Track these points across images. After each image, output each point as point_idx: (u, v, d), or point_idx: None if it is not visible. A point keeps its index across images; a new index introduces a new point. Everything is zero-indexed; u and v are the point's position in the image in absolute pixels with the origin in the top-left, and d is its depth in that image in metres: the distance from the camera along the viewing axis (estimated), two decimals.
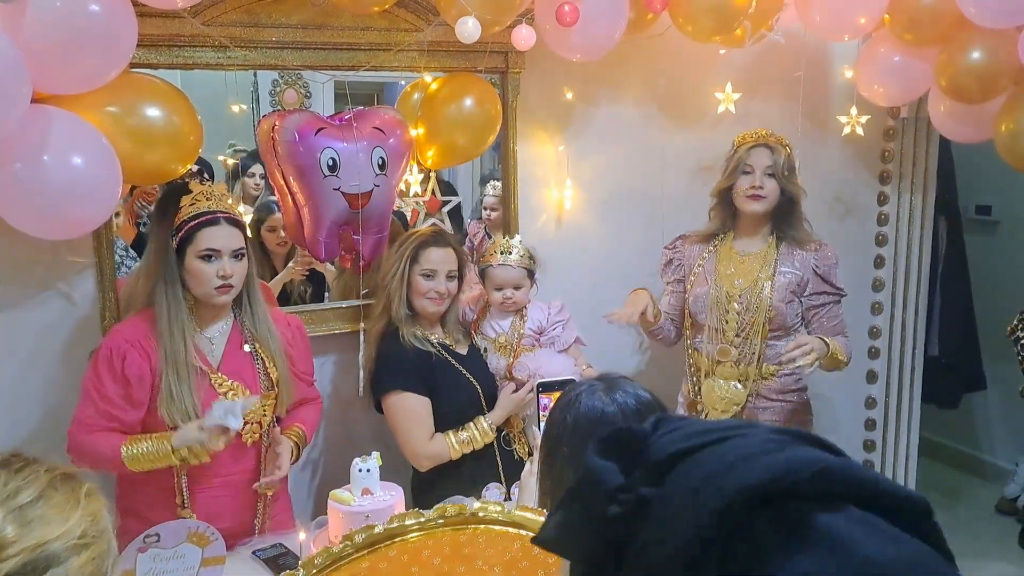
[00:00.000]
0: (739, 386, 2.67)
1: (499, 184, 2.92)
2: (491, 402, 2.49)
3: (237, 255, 2.08)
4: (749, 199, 2.62)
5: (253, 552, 2.04)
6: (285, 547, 2.06)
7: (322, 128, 2.39)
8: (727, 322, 2.65)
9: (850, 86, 3.03)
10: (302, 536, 1.92)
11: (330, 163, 2.37)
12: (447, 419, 2.42)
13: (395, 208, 2.72)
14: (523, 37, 2.35)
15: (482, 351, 2.59)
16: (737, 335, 2.65)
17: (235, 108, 2.57)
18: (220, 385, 2.09)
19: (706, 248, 2.75)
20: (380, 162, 2.44)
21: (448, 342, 2.52)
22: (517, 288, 2.55)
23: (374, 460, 1.91)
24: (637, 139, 3.01)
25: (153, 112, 2.07)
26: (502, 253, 2.56)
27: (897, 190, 3.39)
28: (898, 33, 2.76)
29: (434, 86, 2.61)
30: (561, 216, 2.96)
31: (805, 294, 2.65)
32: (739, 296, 2.64)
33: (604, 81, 2.91)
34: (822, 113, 3.19)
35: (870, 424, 3.53)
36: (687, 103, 3.04)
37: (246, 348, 2.17)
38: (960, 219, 4.06)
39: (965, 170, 4.00)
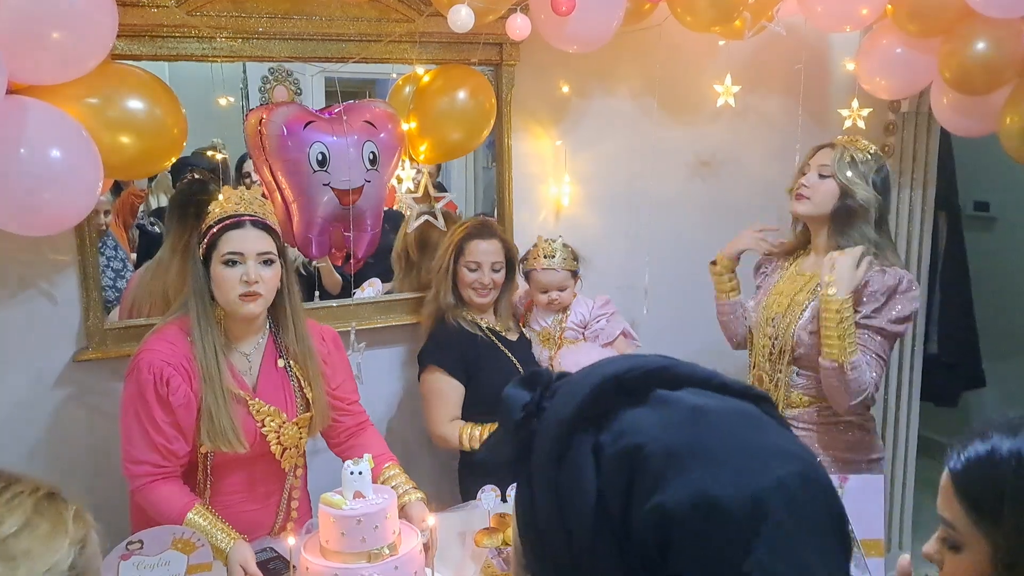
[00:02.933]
0: None
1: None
2: None
3: (265, 260, 1.94)
4: (795, 199, 2.34)
5: None
6: (275, 551, 2.00)
7: (311, 122, 2.32)
8: (763, 348, 2.38)
9: (851, 79, 2.97)
10: (291, 541, 1.86)
11: (320, 158, 2.30)
12: (485, 400, 2.42)
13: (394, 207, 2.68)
14: (518, 27, 2.28)
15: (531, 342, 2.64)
16: (768, 360, 2.37)
17: (222, 101, 2.48)
18: (258, 412, 2.00)
19: (782, 264, 2.47)
20: (371, 157, 2.37)
21: (499, 328, 2.55)
22: (561, 290, 2.57)
23: (366, 463, 1.85)
24: (635, 133, 2.95)
25: (135, 104, 2.00)
26: (545, 256, 2.57)
27: (897, 185, 3.33)
28: (901, 24, 2.70)
29: (426, 79, 2.54)
30: (559, 212, 2.90)
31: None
32: (772, 320, 2.35)
33: (601, 73, 2.85)
34: (822, 106, 3.14)
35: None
36: (686, 96, 2.99)
37: (280, 364, 2.07)
38: (960, 215, 4.02)
39: (963, 166, 3.95)
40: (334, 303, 2.64)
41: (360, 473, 1.82)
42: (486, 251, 2.48)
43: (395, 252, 2.83)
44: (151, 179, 2.87)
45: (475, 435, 2.36)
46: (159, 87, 2.07)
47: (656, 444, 0.58)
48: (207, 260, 1.94)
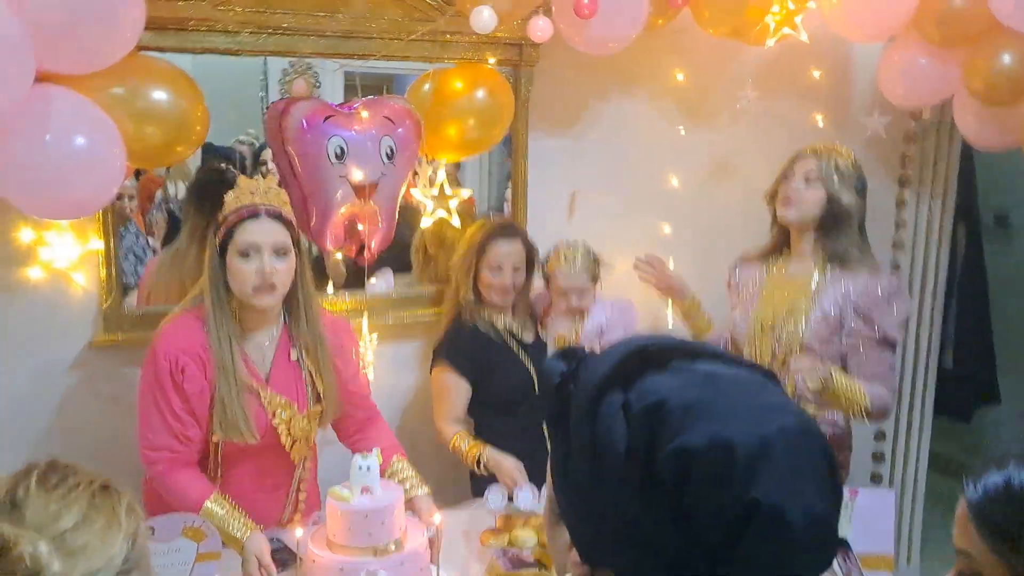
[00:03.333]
0: None
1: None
2: None
3: (280, 252, 1.95)
4: (781, 205, 2.39)
5: None
6: (281, 542, 2.02)
7: (330, 116, 2.34)
8: (761, 355, 2.40)
9: (872, 87, 2.96)
10: (299, 533, 1.88)
11: (338, 151, 2.32)
12: (494, 399, 2.46)
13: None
14: (539, 29, 2.30)
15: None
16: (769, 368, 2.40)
17: (244, 95, 2.51)
18: (270, 403, 2.02)
19: (760, 269, 2.51)
20: (388, 152, 2.39)
21: (515, 329, 2.55)
22: (581, 295, 2.55)
23: (374, 457, 1.87)
24: (652, 135, 2.96)
25: (159, 95, 2.03)
26: (566, 260, 2.54)
27: (916, 195, 3.32)
28: (925, 34, 2.70)
29: (445, 77, 2.55)
30: (573, 213, 2.91)
31: (843, 331, 2.31)
32: (772, 328, 2.38)
33: (620, 75, 2.85)
34: (842, 114, 3.12)
35: (879, 435, 3.47)
36: (704, 100, 2.98)
37: (293, 356, 2.09)
38: (979, 226, 3.98)
39: (983, 178, 3.92)
40: (347, 295, 2.66)
41: (368, 468, 1.84)
42: (508, 253, 2.49)
43: (414, 246, 2.85)
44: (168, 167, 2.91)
45: (460, 449, 2.36)
46: (183, 79, 2.10)
47: (676, 400, 0.69)
48: (223, 250, 1.95)
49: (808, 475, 0.68)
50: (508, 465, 2.29)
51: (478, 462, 2.32)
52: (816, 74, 2.96)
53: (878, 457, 3.48)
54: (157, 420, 1.92)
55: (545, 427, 0.79)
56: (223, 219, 1.96)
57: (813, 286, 2.34)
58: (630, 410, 0.70)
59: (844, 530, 1.99)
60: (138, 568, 0.78)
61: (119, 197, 2.62)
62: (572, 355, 0.78)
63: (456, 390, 2.45)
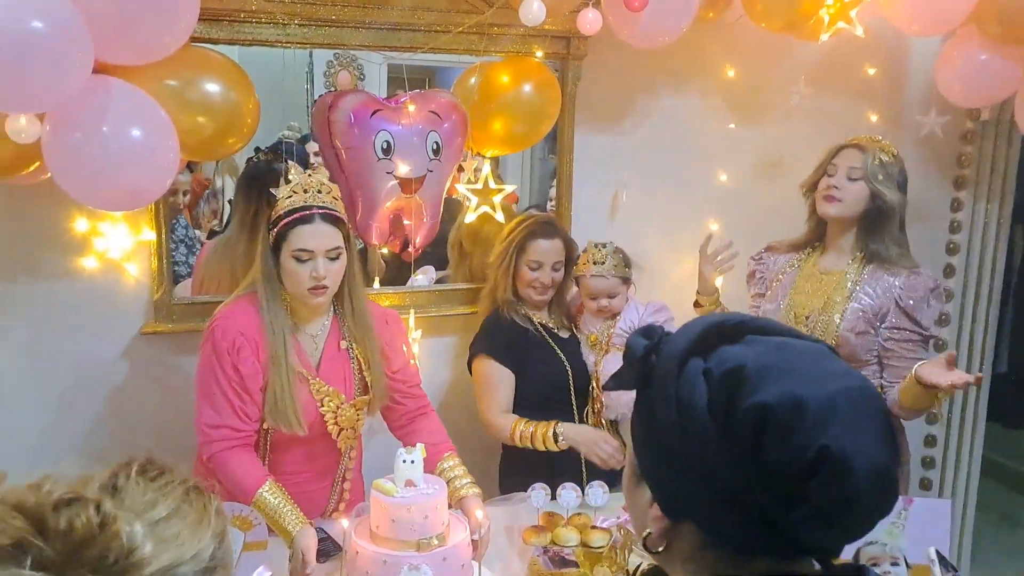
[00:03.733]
0: None
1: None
2: (580, 391, 2.49)
3: (333, 255, 1.96)
4: (824, 200, 2.34)
5: None
6: (325, 532, 2.03)
7: (378, 110, 2.35)
8: None
9: (929, 85, 2.88)
10: (345, 523, 1.89)
11: (384, 146, 2.33)
12: (531, 394, 2.43)
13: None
14: (589, 21, 2.27)
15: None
16: None
17: (290, 87, 2.52)
18: (318, 391, 2.04)
19: (791, 260, 2.48)
20: (435, 147, 2.39)
21: (552, 325, 2.54)
22: (612, 296, 2.50)
23: (418, 452, 1.87)
24: (700, 131, 2.91)
25: (212, 87, 2.05)
26: (595, 263, 2.49)
27: (972, 196, 3.22)
28: (986, 30, 2.61)
29: (492, 70, 2.54)
30: (617, 208, 2.88)
31: (883, 326, 2.28)
32: (807, 319, 2.35)
33: (669, 71, 2.82)
34: (897, 112, 3.04)
35: (930, 440, 3.38)
36: (755, 96, 2.93)
37: (343, 345, 2.10)
38: None
39: None
40: (390, 290, 2.67)
41: (412, 462, 1.84)
42: (548, 251, 2.46)
43: (450, 241, 2.85)
44: (219, 160, 2.95)
45: (527, 433, 2.34)
46: (235, 71, 2.12)
47: (753, 364, 0.78)
48: (276, 248, 1.96)
49: (869, 429, 0.76)
50: (594, 435, 2.32)
51: (555, 438, 2.31)
52: (871, 71, 2.89)
53: (928, 462, 3.40)
54: (218, 398, 1.94)
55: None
56: (276, 218, 1.96)
57: (850, 280, 2.32)
58: (711, 374, 0.79)
59: (898, 539, 1.94)
60: (223, 567, 0.80)
61: (172, 192, 2.68)
62: (653, 332, 0.86)
63: (502, 380, 2.42)
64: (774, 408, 0.74)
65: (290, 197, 1.96)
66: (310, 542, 1.85)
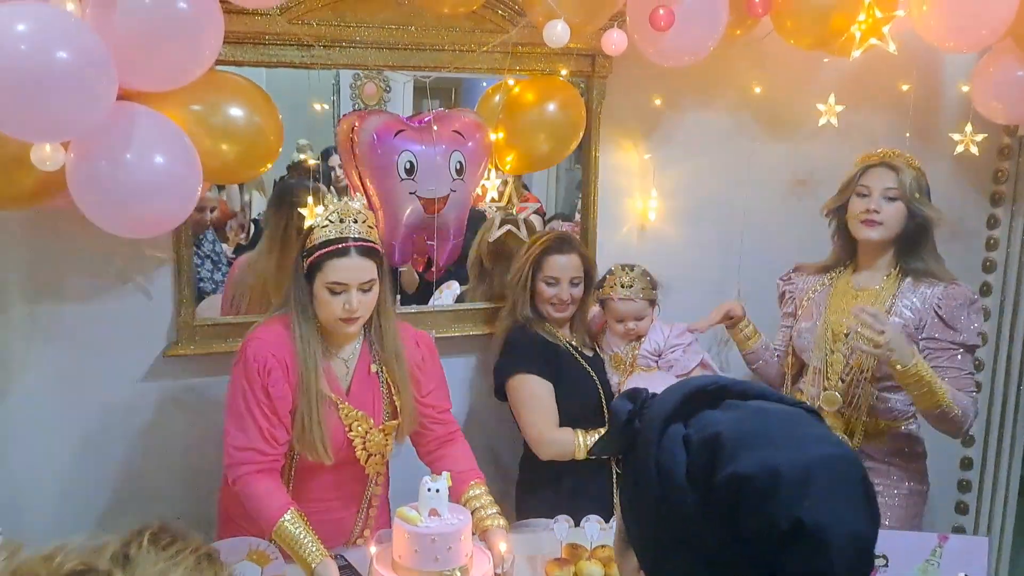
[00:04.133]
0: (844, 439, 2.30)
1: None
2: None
3: (366, 288, 1.94)
4: (863, 224, 2.27)
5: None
6: (346, 560, 2.02)
7: (401, 130, 2.35)
8: (831, 364, 2.31)
9: (964, 101, 2.81)
10: (373, 550, 1.88)
11: (407, 166, 2.32)
12: (565, 414, 2.37)
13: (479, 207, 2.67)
14: (614, 42, 2.24)
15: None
16: (842, 380, 2.29)
17: (316, 107, 2.52)
18: (347, 416, 2.02)
19: (821, 280, 2.44)
20: (458, 167, 2.38)
21: (575, 343, 2.49)
22: (639, 319, 2.47)
23: (444, 481, 1.85)
24: (728, 149, 2.87)
25: (236, 111, 2.04)
26: (623, 286, 2.46)
27: (1010, 213, 3.15)
28: (1023, 45, 2.55)
29: (517, 89, 2.53)
30: (644, 227, 2.84)
31: (921, 337, 2.23)
32: (846, 336, 2.27)
33: (695, 87, 2.77)
34: (932, 128, 2.97)
35: (966, 463, 3.30)
36: (784, 113, 2.88)
37: (373, 368, 2.08)
38: None
39: None
40: (412, 308, 2.66)
41: (438, 491, 1.81)
42: (565, 266, 2.43)
43: (470, 259, 2.82)
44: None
45: (585, 442, 2.28)
46: (258, 95, 2.11)
47: (730, 431, 0.78)
48: (309, 274, 1.94)
49: (848, 498, 0.77)
50: None
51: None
52: (904, 87, 2.83)
53: (964, 485, 3.32)
54: (247, 420, 1.92)
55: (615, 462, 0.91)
56: (311, 247, 1.93)
57: (888, 294, 2.27)
58: (690, 441, 0.80)
59: None
60: None
61: (200, 208, 2.69)
62: (637, 396, 0.88)
63: (546, 393, 2.35)
64: (750, 479, 0.75)
65: (325, 227, 1.93)
66: (332, 574, 1.83)
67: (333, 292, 1.92)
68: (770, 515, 0.74)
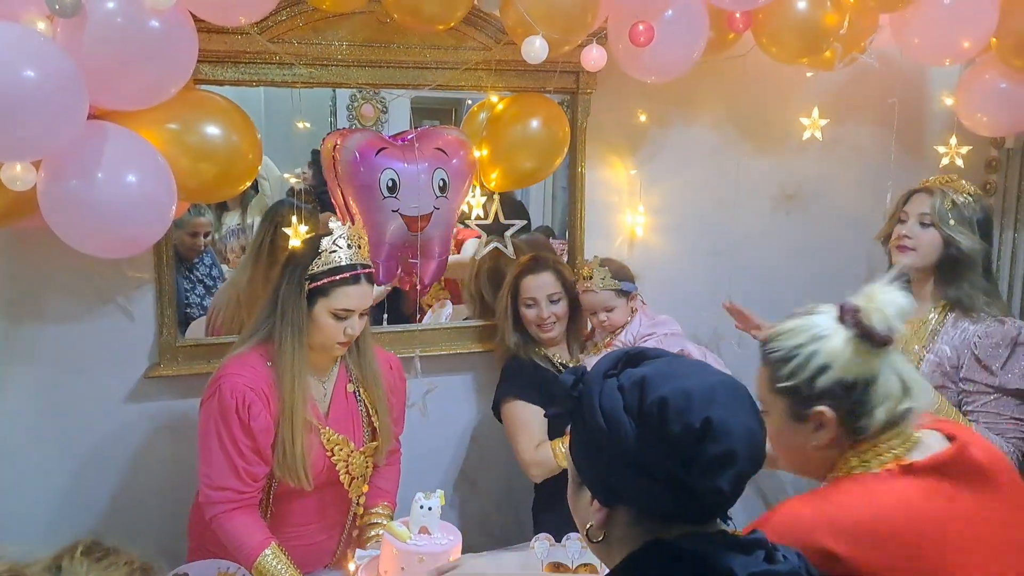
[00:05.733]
0: None
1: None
2: None
3: (365, 312, 1.97)
4: (896, 250, 2.22)
5: None
6: None
7: (383, 148, 2.33)
8: None
9: (949, 114, 2.81)
10: (351, 567, 1.85)
11: (390, 184, 2.31)
12: (562, 432, 2.36)
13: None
14: (593, 58, 2.23)
15: None
16: None
17: (300, 125, 2.51)
18: (328, 441, 2.01)
19: None
20: (441, 184, 2.36)
21: (572, 363, 2.50)
22: (608, 310, 2.47)
23: (436, 499, 1.82)
24: (714, 164, 2.86)
25: (212, 130, 2.03)
26: (584, 278, 2.49)
27: (999, 226, 3.13)
28: (1005, 58, 2.55)
29: (500, 106, 2.52)
30: (632, 242, 2.83)
31: (960, 378, 2.11)
32: None
33: (680, 103, 2.77)
34: (918, 142, 2.97)
35: None
36: (769, 127, 2.88)
37: (349, 388, 2.08)
38: None
39: None
40: (399, 328, 2.64)
41: (430, 509, 1.79)
42: (540, 285, 2.44)
43: (466, 291, 2.81)
44: (247, 199, 2.94)
45: (562, 448, 2.29)
46: (236, 113, 2.10)
47: (652, 373, 1.05)
48: (309, 298, 1.92)
49: (741, 406, 1.03)
50: None
51: None
52: (889, 100, 2.82)
53: None
54: (221, 459, 1.88)
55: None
56: (318, 271, 1.91)
57: (929, 330, 2.18)
58: (623, 386, 1.05)
59: None
60: None
61: (193, 234, 2.69)
62: (576, 370, 1.13)
63: (531, 417, 2.36)
64: (669, 398, 1.00)
65: (333, 252, 1.92)
66: None
67: (337, 317, 1.92)
68: (687, 420, 0.99)
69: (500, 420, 2.49)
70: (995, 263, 3.13)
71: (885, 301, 1.27)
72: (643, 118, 2.76)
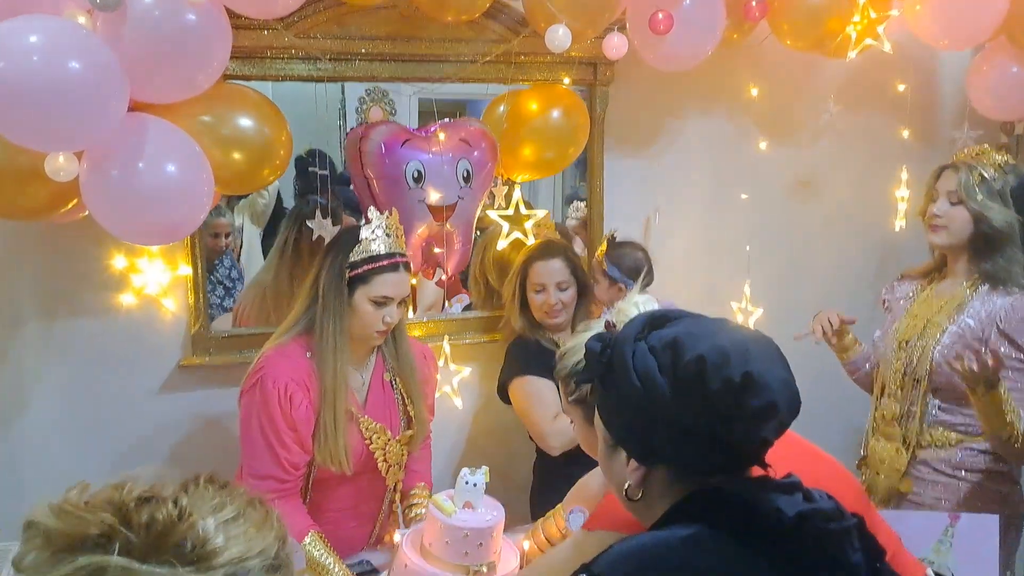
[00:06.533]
0: (901, 450, 2.22)
1: (582, 205, 2.87)
2: None
3: (402, 301, 2.00)
4: (930, 229, 2.21)
5: None
6: (371, 564, 2.02)
7: (408, 140, 2.37)
8: (895, 372, 2.23)
9: (961, 99, 2.85)
10: (397, 537, 1.88)
11: (415, 175, 2.35)
12: None
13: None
14: (614, 46, 2.28)
15: None
16: (901, 388, 2.22)
17: (323, 123, 2.55)
18: (367, 429, 2.04)
19: (916, 286, 2.33)
20: (465, 174, 2.41)
21: None
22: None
23: (482, 475, 1.84)
24: (730, 153, 2.90)
25: (245, 122, 2.07)
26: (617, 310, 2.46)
27: None
28: (1016, 42, 2.59)
29: (520, 98, 2.56)
30: (649, 232, 2.86)
31: (985, 352, 2.00)
32: (906, 344, 2.20)
33: (696, 93, 2.81)
34: (930, 127, 3.01)
35: None
36: (784, 116, 2.92)
37: (386, 377, 2.11)
38: None
39: None
40: (425, 318, 2.67)
41: (475, 484, 1.81)
42: (550, 272, 2.44)
43: (472, 277, 2.83)
44: (234, 200, 2.97)
45: None
46: (267, 106, 2.14)
47: (683, 333, 1.06)
48: (351, 287, 1.95)
49: (774, 359, 1.06)
50: None
51: None
52: (901, 87, 2.87)
53: None
54: (264, 449, 1.91)
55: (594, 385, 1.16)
56: (358, 260, 1.94)
57: (957, 302, 2.17)
58: (654, 348, 1.06)
59: (945, 557, 1.88)
60: (286, 567, 0.87)
61: (215, 235, 2.73)
62: (603, 336, 1.15)
63: (545, 388, 2.35)
64: (706, 356, 1.01)
65: (374, 240, 1.96)
66: None
67: (376, 304, 1.95)
68: (727, 376, 1.00)
69: (507, 402, 2.48)
70: None
71: (630, 314, 1.34)
72: (660, 108, 2.80)
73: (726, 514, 1.01)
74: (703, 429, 1.02)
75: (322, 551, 1.89)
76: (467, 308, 2.84)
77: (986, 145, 2.25)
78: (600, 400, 1.14)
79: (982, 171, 2.13)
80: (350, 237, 1.98)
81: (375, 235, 1.96)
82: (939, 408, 2.18)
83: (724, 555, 0.99)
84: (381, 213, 2.01)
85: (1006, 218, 2.11)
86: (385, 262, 1.95)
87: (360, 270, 1.94)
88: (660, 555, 1.00)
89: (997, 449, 2.10)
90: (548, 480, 2.41)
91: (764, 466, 1.07)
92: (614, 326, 1.35)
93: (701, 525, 1.01)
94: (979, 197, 2.11)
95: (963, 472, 2.17)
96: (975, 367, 1.90)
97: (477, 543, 1.75)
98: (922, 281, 2.33)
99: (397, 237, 2.01)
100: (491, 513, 1.80)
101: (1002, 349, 2.06)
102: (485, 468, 1.85)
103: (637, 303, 1.41)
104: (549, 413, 2.35)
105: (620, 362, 1.08)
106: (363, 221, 2.02)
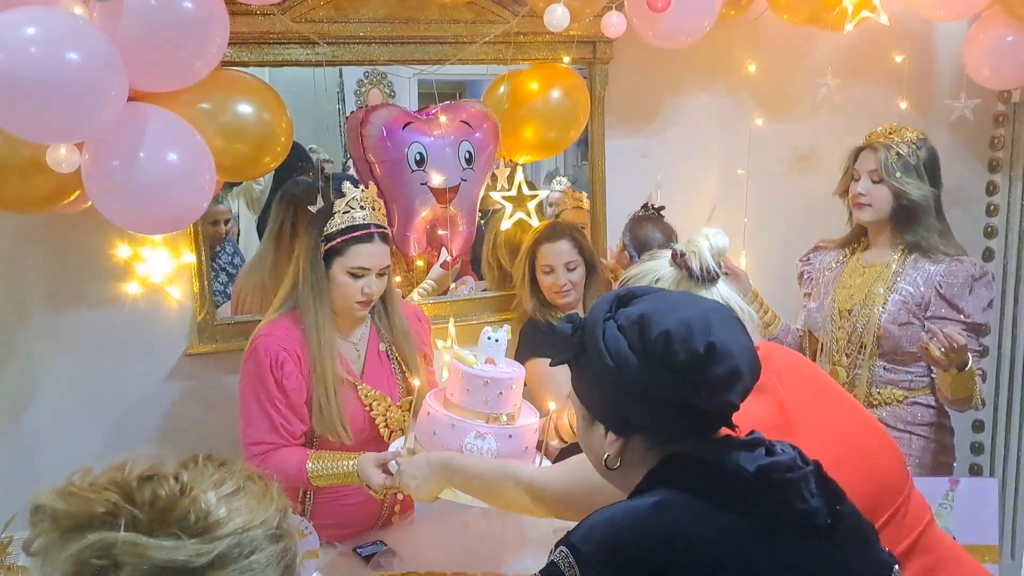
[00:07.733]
0: None
1: (564, 180, 2.92)
2: None
3: (382, 272, 2.02)
4: (856, 207, 2.38)
5: (354, 548, 2.04)
6: (385, 544, 2.04)
7: (409, 123, 2.37)
8: (837, 341, 2.38)
9: (958, 68, 2.85)
10: (394, 447, 1.95)
11: (417, 158, 2.35)
12: None
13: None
14: (613, 24, 2.28)
15: None
16: (847, 356, 2.37)
17: (322, 107, 2.54)
18: (366, 396, 2.07)
19: (837, 257, 2.50)
20: (467, 156, 2.41)
21: None
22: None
23: (504, 332, 1.90)
24: (730, 128, 2.90)
25: (245, 108, 2.07)
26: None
27: (1008, 179, 3.18)
28: (1012, 10, 2.59)
29: (521, 78, 2.55)
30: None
31: (926, 316, 2.26)
32: (849, 313, 2.36)
33: (695, 70, 2.81)
34: (927, 98, 3.02)
35: (978, 425, 3.33)
36: (783, 90, 2.92)
37: (381, 347, 2.14)
38: None
39: None
40: (430, 300, 2.68)
41: (497, 340, 1.86)
42: (558, 252, 2.47)
43: (484, 261, 2.84)
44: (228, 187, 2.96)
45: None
46: (267, 92, 2.14)
47: (648, 310, 1.12)
48: (326, 259, 1.99)
49: (734, 328, 1.12)
50: None
51: None
52: (898, 58, 2.87)
53: (977, 449, 3.35)
54: (259, 416, 1.96)
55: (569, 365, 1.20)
56: (333, 232, 1.98)
57: (891, 272, 2.32)
58: (623, 326, 1.12)
59: (946, 520, 1.93)
60: (288, 537, 0.89)
61: (214, 222, 2.72)
62: (572, 318, 1.20)
63: (556, 371, 2.40)
64: (672, 330, 1.08)
65: (347, 212, 1.98)
66: (370, 458, 1.88)
67: (354, 276, 1.97)
68: (692, 347, 1.06)
69: None
70: (1003, 217, 3.20)
71: (702, 245, 1.43)
72: (659, 85, 2.79)
73: (693, 476, 1.10)
74: (674, 398, 1.09)
75: (325, 460, 1.93)
76: (484, 289, 2.85)
77: (896, 125, 2.39)
78: (575, 379, 1.20)
79: (898, 149, 2.29)
80: (325, 211, 2.00)
81: (349, 207, 1.98)
82: (884, 368, 2.33)
83: (692, 514, 1.06)
84: (356, 187, 2.03)
85: (923, 192, 2.29)
86: (359, 232, 1.97)
87: (335, 242, 1.97)
88: (631, 521, 1.08)
89: (949, 406, 2.28)
90: (560, 457, 2.43)
91: (732, 427, 1.14)
92: (682, 255, 1.43)
93: (670, 490, 1.09)
94: (898, 174, 2.28)
95: (915, 427, 2.33)
96: (943, 355, 2.06)
97: (497, 392, 1.80)
98: (841, 252, 2.48)
99: (373, 209, 2.02)
100: (512, 368, 1.86)
101: (942, 311, 2.24)
102: (507, 326, 1.91)
103: (707, 235, 1.45)
104: (562, 395, 2.37)
105: (592, 342, 1.14)
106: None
